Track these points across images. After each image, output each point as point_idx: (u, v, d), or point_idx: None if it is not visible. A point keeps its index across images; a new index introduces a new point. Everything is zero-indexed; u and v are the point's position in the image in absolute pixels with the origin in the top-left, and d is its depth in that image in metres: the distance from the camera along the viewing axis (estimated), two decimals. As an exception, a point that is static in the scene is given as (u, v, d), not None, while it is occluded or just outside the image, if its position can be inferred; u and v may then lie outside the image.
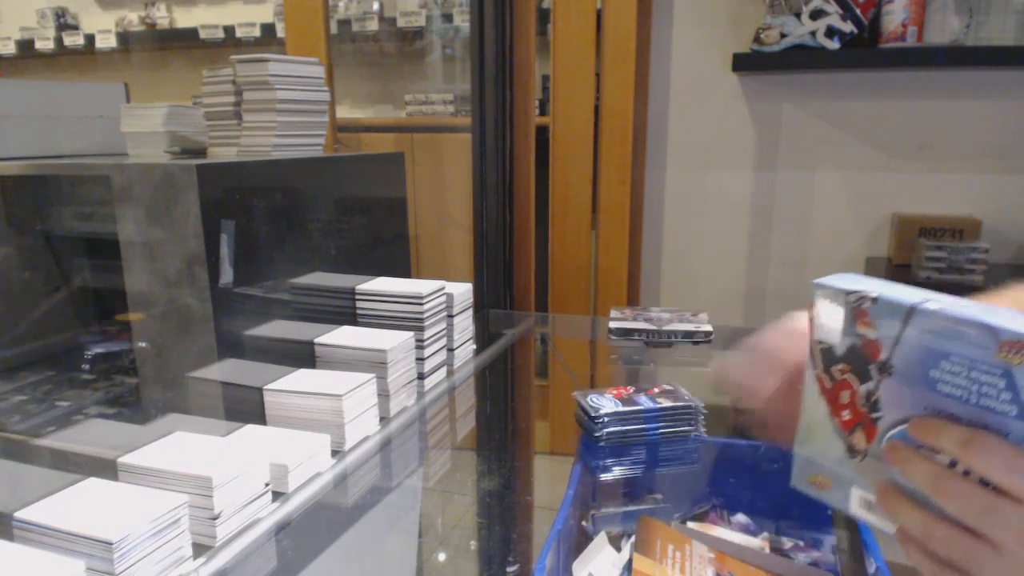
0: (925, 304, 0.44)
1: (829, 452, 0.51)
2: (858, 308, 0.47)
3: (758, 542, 0.75)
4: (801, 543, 0.76)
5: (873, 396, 0.47)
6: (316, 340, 1.02)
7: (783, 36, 1.66)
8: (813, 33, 1.63)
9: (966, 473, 0.41)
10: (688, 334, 1.38)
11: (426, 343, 1.09)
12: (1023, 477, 0.39)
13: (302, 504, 0.80)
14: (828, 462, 0.52)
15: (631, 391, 0.95)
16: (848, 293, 0.48)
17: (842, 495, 0.51)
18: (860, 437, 0.49)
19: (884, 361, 0.46)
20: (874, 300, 0.46)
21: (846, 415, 0.49)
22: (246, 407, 0.92)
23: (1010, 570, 0.39)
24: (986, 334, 0.40)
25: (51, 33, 3.45)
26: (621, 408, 0.91)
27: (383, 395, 0.99)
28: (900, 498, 0.45)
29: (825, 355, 0.50)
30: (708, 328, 1.38)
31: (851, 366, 0.48)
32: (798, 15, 1.65)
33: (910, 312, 0.44)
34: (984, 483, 0.40)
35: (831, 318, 0.49)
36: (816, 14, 1.62)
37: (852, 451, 0.49)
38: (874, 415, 0.47)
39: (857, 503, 0.50)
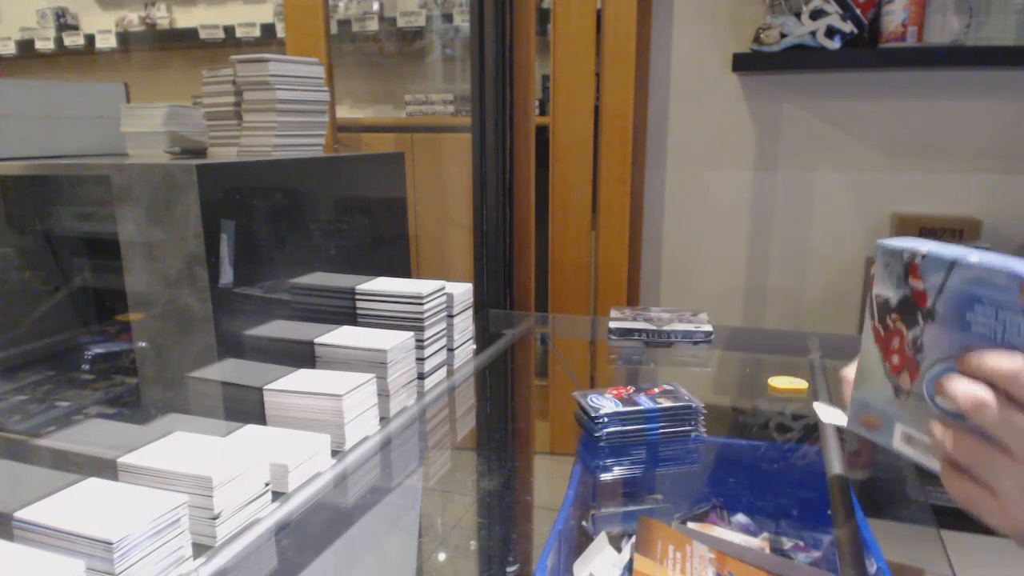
0: (966, 257, 0.50)
1: (880, 393, 0.59)
2: (911, 263, 0.54)
3: (758, 542, 0.75)
4: (801, 543, 0.76)
5: (918, 340, 0.54)
6: (316, 340, 1.02)
7: (783, 36, 1.66)
8: (813, 33, 1.63)
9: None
10: (688, 334, 1.38)
11: (426, 343, 1.09)
12: None
13: (302, 504, 0.80)
14: (878, 403, 0.59)
15: (631, 391, 0.95)
16: (903, 251, 0.55)
17: (887, 432, 0.59)
18: (905, 378, 0.56)
19: (929, 308, 0.53)
20: (924, 256, 0.53)
21: (895, 359, 0.57)
22: (246, 407, 0.92)
23: (1022, 476, 0.47)
24: (1012, 279, 0.47)
25: (51, 33, 3.45)
26: (621, 408, 0.91)
27: (383, 395, 0.99)
28: (944, 426, 0.51)
29: (881, 307, 0.58)
30: (708, 328, 1.38)
31: (902, 315, 0.56)
32: (798, 15, 1.65)
33: (952, 264, 0.51)
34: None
35: (888, 274, 0.56)
36: (816, 14, 1.62)
37: (898, 391, 0.57)
38: (918, 357, 0.54)
39: (900, 438, 0.58)
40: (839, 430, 0.83)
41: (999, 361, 0.47)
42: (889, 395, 0.58)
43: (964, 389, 0.48)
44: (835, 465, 0.77)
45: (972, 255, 0.50)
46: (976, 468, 0.49)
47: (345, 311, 1.13)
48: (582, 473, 0.84)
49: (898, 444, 0.58)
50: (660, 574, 0.65)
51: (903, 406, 0.57)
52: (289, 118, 1.17)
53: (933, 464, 0.54)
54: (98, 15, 3.55)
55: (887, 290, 0.57)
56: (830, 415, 0.68)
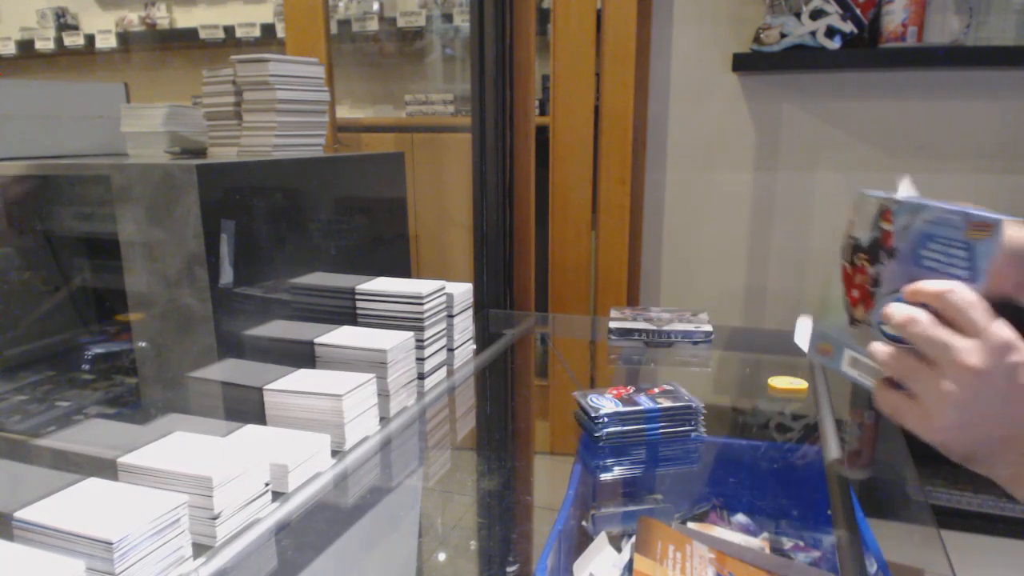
0: (932, 202, 0.58)
1: (836, 324, 0.65)
2: (885, 208, 0.61)
3: (758, 542, 0.75)
4: (801, 543, 0.76)
5: (878, 276, 0.61)
6: (316, 340, 1.02)
7: (783, 36, 1.66)
8: (813, 33, 1.63)
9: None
10: (688, 334, 1.38)
11: (426, 343, 1.09)
12: (972, 321, 0.53)
13: (302, 504, 0.80)
14: (833, 332, 0.66)
15: (631, 391, 0.95)
16: (881, 198, 0.61)
17: (838, 358, 0.66)
18: (860, 309, 0.63)
19: (892, 247, 0.60)
20: (898, 202, 0.60)
21: (855, 293, 0.63)
22: (246, 407, 0.92)
23: (940, 383, 0.54)
24: (960, 217, 0.55)
25: (51, 33, 3.45)
26: (621, 408, 0.91)
27: (383, 395, 0.99)
28: (882, 346, 0.59)
29: (853, 248, 0.64)
30: (708, 328, 1.38)
31: (868, 255, 0.62)
32: (798, 15, 1.65)
33: (919, 208, 0.58)
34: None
35: (864, 218, 0.63)
36: (816, 14, 1.62)
37: (852, 321, 0.64)
38: (874, 290, 0.61)
39: (847, 362, 0.65)
40: (839, 430, 0.83)
41: (930, 285, 0.56)
42: (844, 324, 0.65)
43: (900, 308, 0.57)
44: (835, 465, 0.77)
45: (937, 202, 0.58)
46: (904, 379, 0.57)
47: (345, 311, 1.13)
48: (582, 473, 0.84)
49: (845, 367, 0.65)
50: (660, 574, 0.65)
51: (854, 334, 0.63)
52: (289, 118, 1.17)
53: (871, 384, 0.62)
54: (98, 15, 3.55)
55: (860, 232, 0.63)
56: (801, 339, 0.72)
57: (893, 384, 0.59)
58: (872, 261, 0.62)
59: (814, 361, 0.70)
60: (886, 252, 0.60)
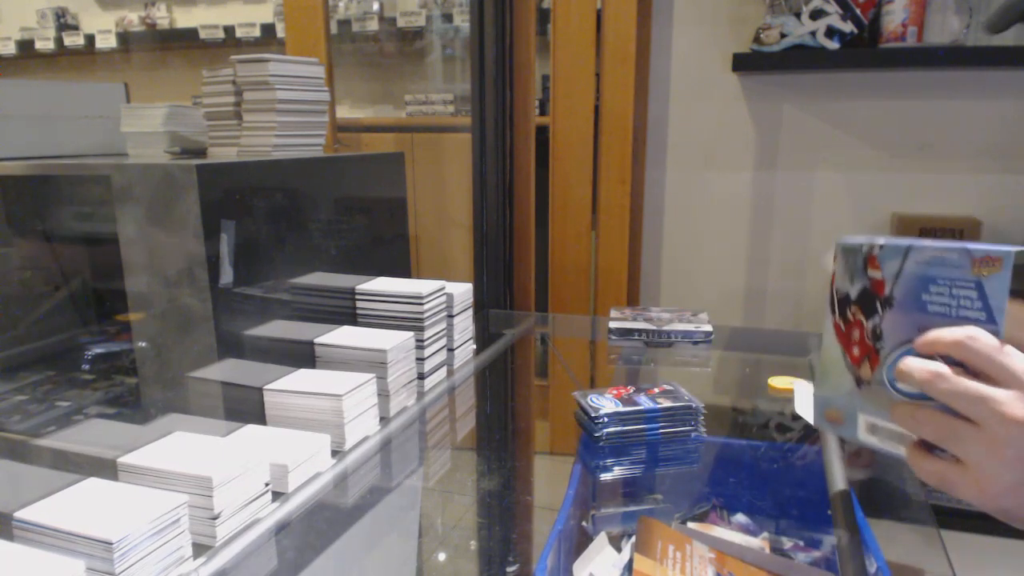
0: (920, 242, 0.53)
1: (841, 387, 0.59)
2: (869, 255, 0.56)
3: (758, 542, 0.75)
4: (801, 543, 0.76)
5: (877, 329, 0.56)
6: (316, 340, 1.02)
7: (783, 36, 1.66)
8: (813, 33, 1.63)
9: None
10: (688, 334, 1.38)
11: (426, 343, 1.09)
12: (1002, 366, 0.48)
13: (302, 504, 0.80)
14: (840, 396, 0.59)
15: (631, 391, 0.95)
16: (861, 245, 0.57)
17: (851, 425, 0.59)
18: (866, 368, 0.57)
19: (887, 296, 0.55)
20: (881, 247, 0.55)
21: (856, 351, 0.58)
22: (246, 407, 0.92)
23: (988, 443, 0.47)
24: (962, 254, 0.50)
25: (51, 33, 3.45)
26: (621, 408, 0.91)
27: (383, 395, 0.99)
28: (905, 407, 0.53)
29: (842, 302, 0.59)
30: (708, 328, 1.38)
31: (861, 307, 0.57)
32: (798, 15, 1.65)
33: (907, 249, 0.54)
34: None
35: (848, 268, 0.58)
36: (816, 14, 1.62)
37: (859, 382, 0.58)
38: (877, 345, 0.56)
39: (864, 428, 0.58)
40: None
41: (947, 334, 0.50)
42: (851, 387, 0.59)
43: (919, 364, 0.50)
44: (835, 465, 0.77)
45: (925, 240, 0.53)
46: (943, 443, 0.50)
47: (345, 311, 1.13)
48: (582, 473, 0.84)
49: (863, 435, 0.58)
50: (660, 574, 0.65)
51: (865, 396, 0.57)
52: (289, 118, 1.17)
53: (898, 450, 0.55)
54: (98, 15, 3.55)
55: (846, 284, 0.58)
56: (803, 408, 0.69)
57: (928, 447, 0.52)
58: (868, 314, 0.57)
59: (823, 430, 0.64)
60: (881, 301, 0.56)
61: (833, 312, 0.60)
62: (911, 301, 0.53)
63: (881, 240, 0.56)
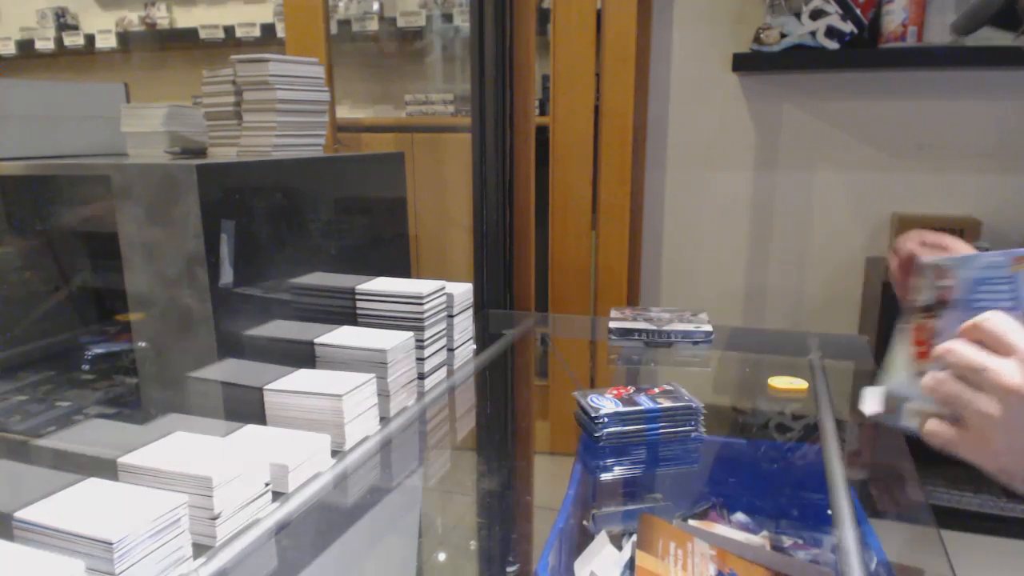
0: (984, 253, 0.62)
1: (899, 380, 0.68)
2: (941, 268, 0.65)
3: (759, 540, 0.75)
4: (800, 541, 0.76)
5: (937, 329, 0.64)
6: (316, 340, 1.02)
7: (783, 36, 1.66)
8: (813, 33, 1.63)
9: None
10: (688, 334, 1.38)
11: (426, 343, 1.09)
12: (1007, 342, 0.54)
13: (302, 504, 0.80)
14: (897, 388, 0.68)
15: (631, 391, 0.95)
16: (937, 261, 0.65)
17: (899, 411, 0.67)
18: (924, 363, 0.65)
19: (949, 300, 0.64)
20: (950, 260, 0.64)
21: (920, 349, 0.66)
22: (246, 407, 0.92)
23: (987, 406, 0.54)
24: (1006, 256, 0.59)
25: (51, 33, 3.45)
26: (621, 408, 0.91)
27: (383, 395, 0.99)
28: (928, 377, 0.59)
29: (918, 310, 0.68)
30: (708, 328, 1.38)
31: (931, 313, 0.66)
32: (798, 15, 1.65)
33: (969, 259, 0.62)
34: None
35: (926, 283, 0.67)
36: (816, 14, 1.62)
37: (917, 375, 0.65)
38: (934, 342, 0.63)
39: (909, 413, 0.66)
40: (839, 430, 0.83)
41: (939, 348, 0.58)
42: (907, 379, 0.67)
43: (942, 345, 0.57)
44: (835, 466, 0.77)
45: (993, 252, 0.61)
46: (948, 404, 0.57)
47: (345, 311, 1.13)
48: (582, 473, 0.84)
49: (906, 419, 0.66)
50: (662, 570, 0.65)
51: (914, 385, 0.64)
52: (289, 118, 1.17)
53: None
54: (98, 15, 3.55)
55: (922, 295, 0.67)
56: (871, 404, 0.72)
57: (939, 418, 0.59)
58: (933, 317, 0.66)
59: (881, 423, 0.70)
60: (944, 307, 0.64)
61: (909, 320, 0.69)
62: (965, 302, 0.62)
63: (956, 255, 0.65)
